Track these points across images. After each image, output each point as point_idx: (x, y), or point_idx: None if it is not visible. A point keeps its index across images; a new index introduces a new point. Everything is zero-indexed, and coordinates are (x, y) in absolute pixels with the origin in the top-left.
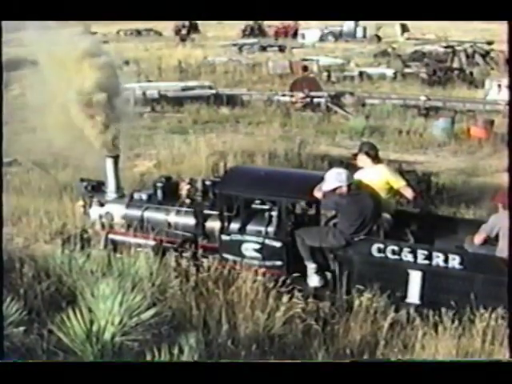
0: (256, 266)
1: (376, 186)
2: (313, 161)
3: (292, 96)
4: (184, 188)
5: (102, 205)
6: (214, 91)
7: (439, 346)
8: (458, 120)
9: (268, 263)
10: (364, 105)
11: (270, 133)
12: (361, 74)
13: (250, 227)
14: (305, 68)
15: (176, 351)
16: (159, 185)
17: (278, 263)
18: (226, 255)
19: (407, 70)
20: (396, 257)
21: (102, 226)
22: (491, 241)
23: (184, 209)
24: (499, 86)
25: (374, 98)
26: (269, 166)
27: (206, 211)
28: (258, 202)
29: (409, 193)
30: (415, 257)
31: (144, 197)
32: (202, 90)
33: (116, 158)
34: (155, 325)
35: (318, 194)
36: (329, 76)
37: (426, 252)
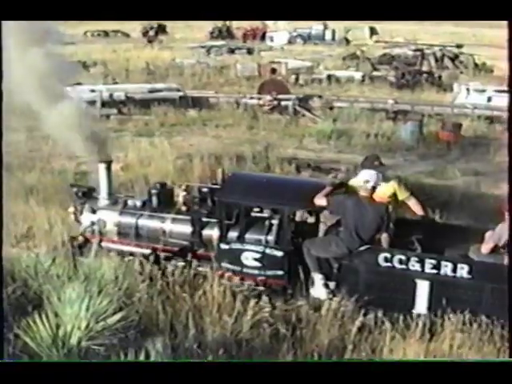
0: (256, 276)
1: (383, 198)
2: (280, 164)
3: (260, 99)
4: (180, 195)
5: (93, 211)
6: (181, 93)
7: (407, 349)
8: (426, 123)
9: (269, 273)
10: (332, 108)
11: (238, 135)
12: (329, 76)
13: (249, 236)
14: (273, 71)
15: (143, 356)
16: (154, 191)
17: (279, 273)
18: (224, 264)
19: (376, 73)
20: (403, 266)
21: (93, 232)
22: (497, 249)
23: (180, 216)
24: (468, 89)
25: (342, 101)
26: (236, 168)
27: (204, 219)
28: (256, 209)
29: (413, 203)
30: (423, 266)
31: (138, 203)
32: (170, 92)
33: (109, 164)
34: (122, 329)
35: (321, 201)
36: (297, 79)
37: (433, 261)
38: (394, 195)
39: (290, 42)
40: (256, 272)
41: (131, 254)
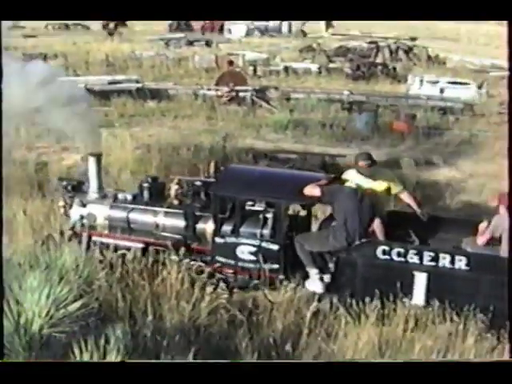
0: (251, 270)
1: (376, 192)
2: (238, 154)
3: (218, 90)
4: (172, 188)
5: (83, 205)
6: (140, 85)
7: (361, 334)
8: (380, 114)
9: (264, 266)
10: (289, 99)
11: (196, 126)
12: (286, 68)
13: (243, 229)
14: (231, 62)
15: (102, 342)
16: (145, 185)
17: (275, 266)
18: (219, 258)
19: (331, 65)
20: (401, 259)
21: (83, 226)
22: (492, 241)
23: (173, 210)
24: (421, 81)
25: (298, 93)
26: (193, 158)
27: (197, 213)
28: (249, 203)
29: (406, 197)
30: (421, 258)
31: (129, 197)
32: (129, 83)
33: (99, 157)
34: (82, 316)
35: (314, 190)
36: (254, 70)
37: (432, 253)
38: (388, 189)
39: (248, 34)
40: (251, 265)
41: (123, 247)
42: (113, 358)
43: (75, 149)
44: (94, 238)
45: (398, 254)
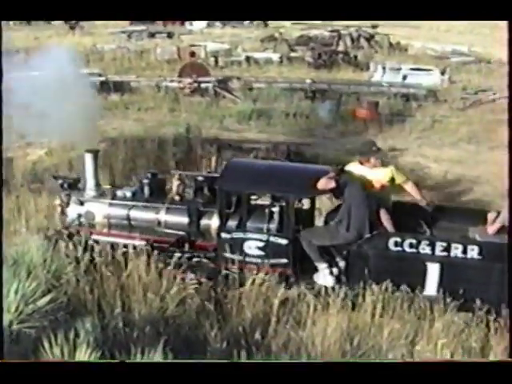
0: (259, 265)
1: (382, 183)
2: (202, 145)
3: (180, 81)
4: (174, 184)
5: (81, 203)
6: (103, 78)
7: (330, 320)
8: (343, 102)
9: (272, 261)
10: (251, 89)
11: (159, 118)
12: (248, 58)
13: (249, 224)
14: (192, 54)
15: (72, 336)
16: (145, 181)
17: (283, 261)
18: (225, 254)
19: (293, 54)
20: (413, 250)
21: (80, 225)
22: (503, 230)
23: (175, 206)
24: (383, 68)
25: (261, 82)
26: (158, 150)
27: (201, 208)
28: (254, 197)
29: (410, 187)
30: (433, 249)
31: (128, 194)
32: (92, 77)
33: (96, 154)
34: (51, 311)
35: (329, 183)
36: (216, 61)
37: (444, 244)
38: (392, 180)
39: (209, 25)
40: (259, 261)
41: (124, 246)
42: (83, 351)
43: (39, 144)
44: (93, 237)
45: (411, 245)
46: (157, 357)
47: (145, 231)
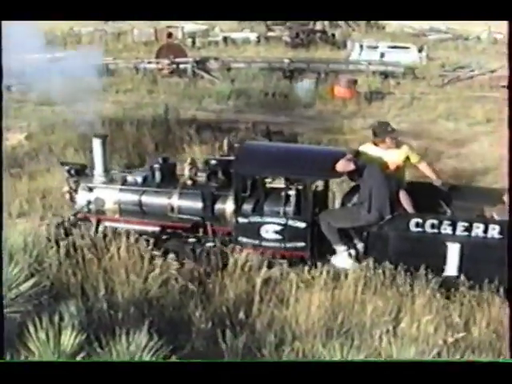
0: (276, 249)
1: (397, 163)
2: (180, 126)
3: (158, 63)
4: (186, 169)
5: (90, 190)
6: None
7: (312, 298)
8: (321, 81)
9: (289, 245)
10: (229, 69)
11: (138, 100)
12: (225, 38)
13: (266, 208)
14: (169, 35)
15: (57, 319)
16: (156, 166)
17: (301, 244)
18: (242, 239)
19: (270, 34)
20: (435, 230)
21: (89, 211)
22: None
23: (188, 191)
24: (361, 46)
25: (238, 62)
26: (136, 132)
27: (216, 192)
28: (268, 180)
29: (425, 167)
30: (454, 229)
31: (139, 179)
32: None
33: (104, 139)
34: (35, 295)
35: (349, 165)
36: (193, 42)
37: (466, 224)
38: (407, 159)
39: None
40: (276, 245)
41: (137, 232)
42: (68, 334)
43: (19, 128)
44: (106, 224)
45: (432, 226)
46: (141, 338)
47: (157, 217)
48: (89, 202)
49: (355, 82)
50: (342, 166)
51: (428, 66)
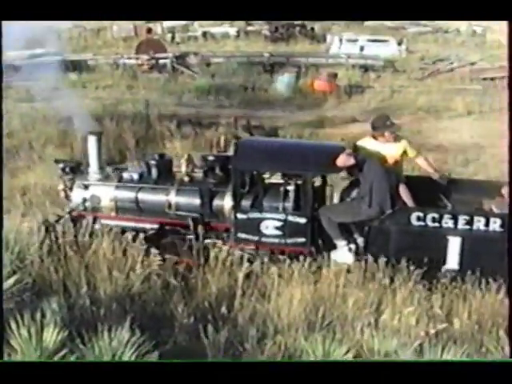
0: (276, 245)
1: (395, 157)
2: (161, 121)
3: (137, 58)
4: (183, 165)
5: (85, 187)
6: (60, 58)
7: (294, 291)
8: (301, 75)
9: (290, 241)
10: (209, 64)
11: (118, 96)
12: (204, 33)
13: (265, 204)
14: (149, 30)
15: (39, 316)
16: (153, 162)
17: (301, 240)
18: (241, 235)
19: (250, 28)
20: (436, 224)
21: (85, 209)
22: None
23: (186, 187)
24: (340, 40)
25: (218, 57)
26: (116, 128)
27: (213, 189)
28: (266, 176)
29: (422, 161)
30: (456, 223)
31: (135, 176)
32: (49, 56)
33: (99, 136)
34: (17, 292)
35: (349, 160)
36: (173, 37)
37: (467, 217)
38: (405, 153)
39: None
40: (276, 241)
41: (134, 229)
42: (50, 331)
43: None
44: (103, 221)
45: (433, 220)
46: (124, 334)
47: (154, 214)
48: (84, 200)
49: (335, 75)
50: (343, 160)
51: (408, 59)
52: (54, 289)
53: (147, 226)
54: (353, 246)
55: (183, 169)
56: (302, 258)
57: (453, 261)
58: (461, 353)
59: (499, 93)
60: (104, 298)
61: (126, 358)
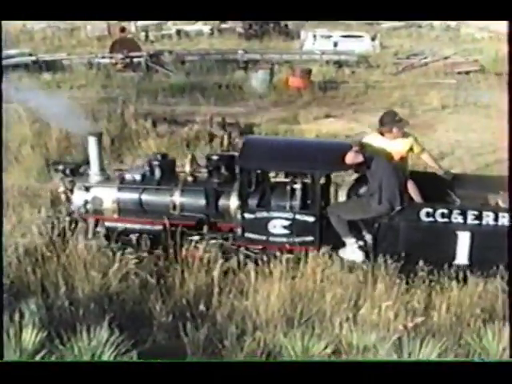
0: (284, 244)
1: (401, 154)
2: (136, 120)
3: (112, 58)
4: (187, 165)
5: (86, 189)
6: (34, 58)
7: (272, 288)
8: (276, 71)
9: (298, 239)
10: (183, 62)
11: (92, 95)
12: (178, 31)
13: (272, 203)
14: (122, 29)
15: (17, 317)
16: (155, 163)
17: (309, 239)
18: (249, 235)
19: (223, 26)
20: (445, 220)
21: (87, 212)
22: None
23: (190, 188)
24: (314, 36)
25: (192, 55)
26: (91, 127)
27: (219, 188)
28: (271, 175)
29: (427, 157)
30: (465, 218)
31: (137, 177)
32: (22, 57)
33: (99, 137)
34: None
35: (357, 157)
36: (147, 36)
37: (476, 212)
38: (410, 149)
39: None
40: (284, 240)
41: (138, 231)
42: (29, 332)
43: None
44: (106, 224)
45: (442, 215)
46: (103, 333)
47: (159, 215)
48: (86, 202)
49: (309, 71)
50: (351, 158)
51: (382, 54)
52: (32, 290)
53: (152, 227)
54: (362, 244)
55: (187, 169)
56: (278, 254)
57: (462, 256)
58: (440, 346)
59: (474, 87)
60: (82, 298)
61: (105, 358)
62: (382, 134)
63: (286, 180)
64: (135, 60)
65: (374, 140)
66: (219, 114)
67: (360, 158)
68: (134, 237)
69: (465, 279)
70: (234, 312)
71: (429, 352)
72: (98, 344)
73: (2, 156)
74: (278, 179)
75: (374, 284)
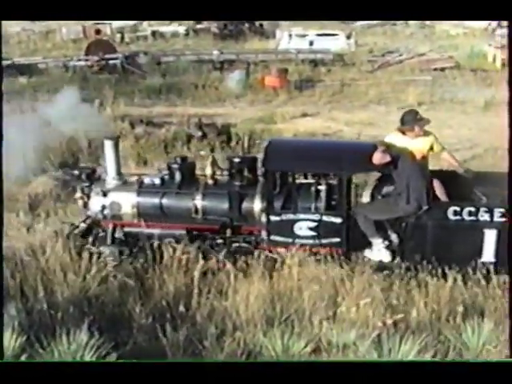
0: (310, 246)
1: (422, 153)
2: (113, 121)
3: (87, 60)
4: (208, 168)
5: (104, 194)
6: (9, 62)
7: (251, 288)
8: (252, 71)
9: (325, 241)
10: (159, 63)
11: None
12: (154, 33)
13: (299, 205)
14: (98, 31)
15: None
16: (175, 166)
17: (336, 240)
18: (275, 237)
19: (199, 26)
20: (472, 218)
21: (105, 218)
22: None
23: (212, 191)
24: (290, 35)
25: (168, 56)
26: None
27: (241, 191)
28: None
29: (447, 155)
30: (492, 216)
31: (157, 181)
32: None
33: (116, 141)
34: None
35: (385, 157)
36: (122, 37)
37: (502, 210)
38: (430, 148)
39: None
40: (310, 242)
41: (159, 236)
42: (8, 336)
43: None
44: (126, 229)
45: (469, 214)
46: (82, 336)
47: (180, 219)
48: (103, 207)
49: (285, 70)
50: (379, 158)
51: (357, 52)
52: (11, 294)
53: (174, 231)
54: (388, 244)
55: (208, 172)
56: (256, 253)
57: (489, 253)
58: (419, 342)
59: (449, 83)
60: (61, 302)
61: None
62: (403, 132)
63: (310, 181)
64: (111, 62)
65: (396, 139)
66: (196, 115)
67: (387, 158)
68: (156, 242)
69: (444, 275)
70: (213, 312)
71: (408, 348)
72: (77, 347)
73: (1, 156)
74: (299, 181)
75: (353, 282)
